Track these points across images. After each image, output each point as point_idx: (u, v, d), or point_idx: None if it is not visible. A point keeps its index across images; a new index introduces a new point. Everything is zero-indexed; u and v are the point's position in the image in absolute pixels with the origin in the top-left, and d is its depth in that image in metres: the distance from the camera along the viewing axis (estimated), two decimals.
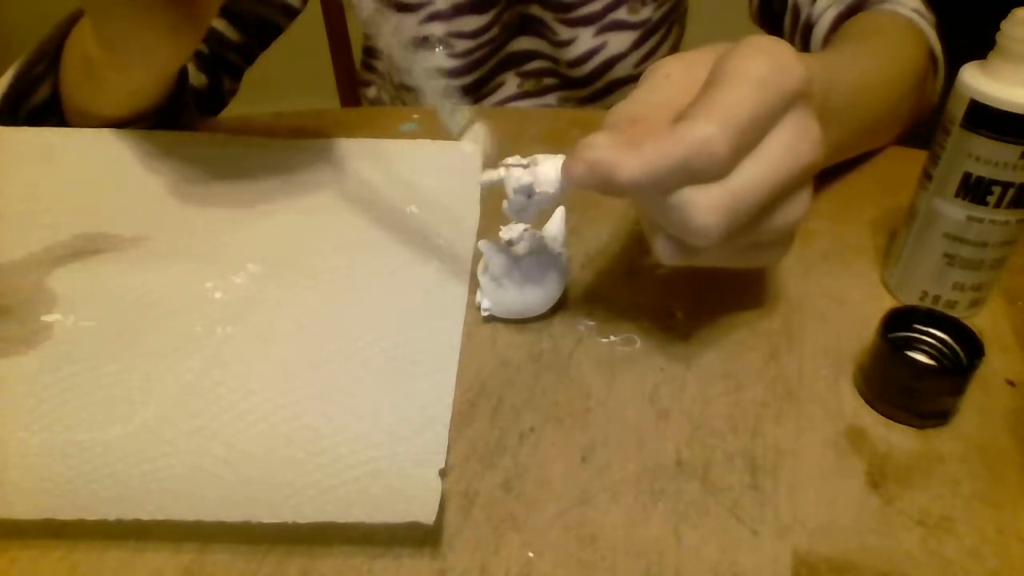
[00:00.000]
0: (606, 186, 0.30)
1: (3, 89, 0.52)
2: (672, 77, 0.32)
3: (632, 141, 0.29)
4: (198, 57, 0.59)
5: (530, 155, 0.34)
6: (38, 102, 0.52)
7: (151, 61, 0.44)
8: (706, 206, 0.28)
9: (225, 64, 0.62)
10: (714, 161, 0.28)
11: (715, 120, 0.28)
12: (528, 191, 0.34)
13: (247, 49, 0.64)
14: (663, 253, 0.31)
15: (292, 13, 0.67)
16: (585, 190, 0.32)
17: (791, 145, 0.30)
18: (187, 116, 0.55)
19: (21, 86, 0.52)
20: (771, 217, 0.31)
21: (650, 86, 0.32)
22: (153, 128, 0.52)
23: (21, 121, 0.52)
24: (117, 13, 0.39)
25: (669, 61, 0.33)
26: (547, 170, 0.33)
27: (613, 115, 0.32)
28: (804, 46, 0.60)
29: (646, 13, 0.69)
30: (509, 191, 0.34)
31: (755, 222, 0.30)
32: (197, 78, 0.58)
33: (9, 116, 0.52)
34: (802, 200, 0.31)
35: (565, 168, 0.31)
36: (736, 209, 0.29)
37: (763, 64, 0.29)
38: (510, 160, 0.34)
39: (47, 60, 0.51)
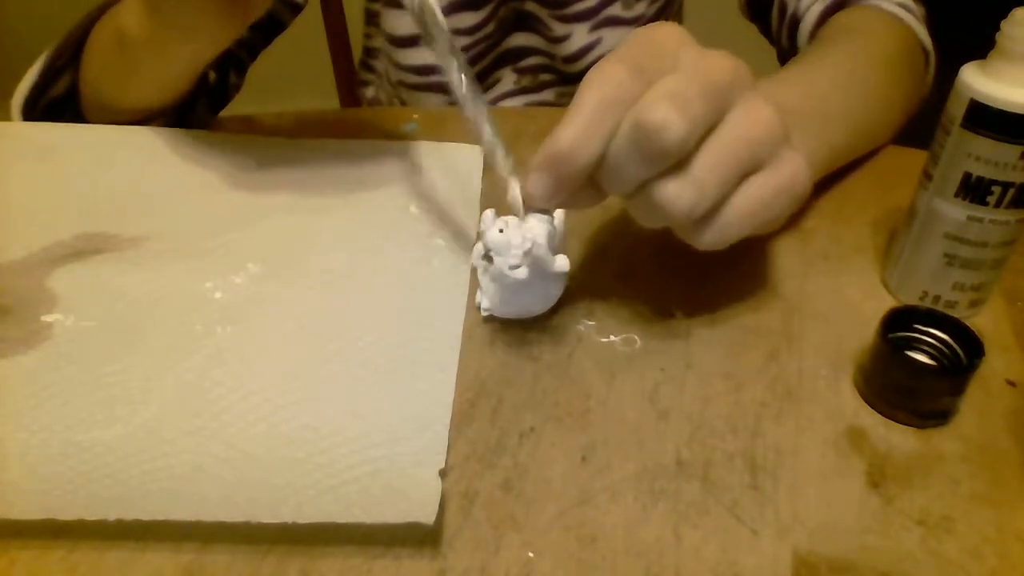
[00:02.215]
0: (559, 168, 0.31)
1: (32, 80, 0.52)
2: None
3: None
4: None
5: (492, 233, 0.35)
6: (56, 95, 0.52)
7: (191, 45, 0.44)
8: (652, 105, 0.30)
9: (232, 58, 0.62)
10: (621, 85, 0.30)
11: (604, 62, 0.31)
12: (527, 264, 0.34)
13: (252, 44, 0.64)
14: (669, 199, 0.31)
15: (296, 9, 0.67)
16: (560, 204, 0.33)
17: (698, 58, 0.32)
18: (199, 114, 0.55)
19: (44, 80, 0.52)
20: (730, 121, 0.31)
21: None
22: (166, 126, 0.52)
23: (38, 114, 0.52)
24: None
25: None
26: (529, 231, 0.34)
27: None
28: (791, 41, 0.61)
29: (640, 9, 0.69)
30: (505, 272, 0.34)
31: (716, 121, 0.31)
32: (208, 74, 0.58)
33: (30, 109, 0.52)
34: (758, 104, 0.32)
35: (525, 191, 0.33)
36: (677, 96, 0.30)
37: (637, 31, 0.33)
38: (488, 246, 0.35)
39: (70, 52, 0.51)
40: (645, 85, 0.30)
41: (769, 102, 0.33)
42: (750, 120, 0.32)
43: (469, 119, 0.36)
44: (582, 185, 0.33)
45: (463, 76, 0.36)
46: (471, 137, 0.51)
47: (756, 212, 0.33)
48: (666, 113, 0.29)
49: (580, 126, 0.30)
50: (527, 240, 0.34)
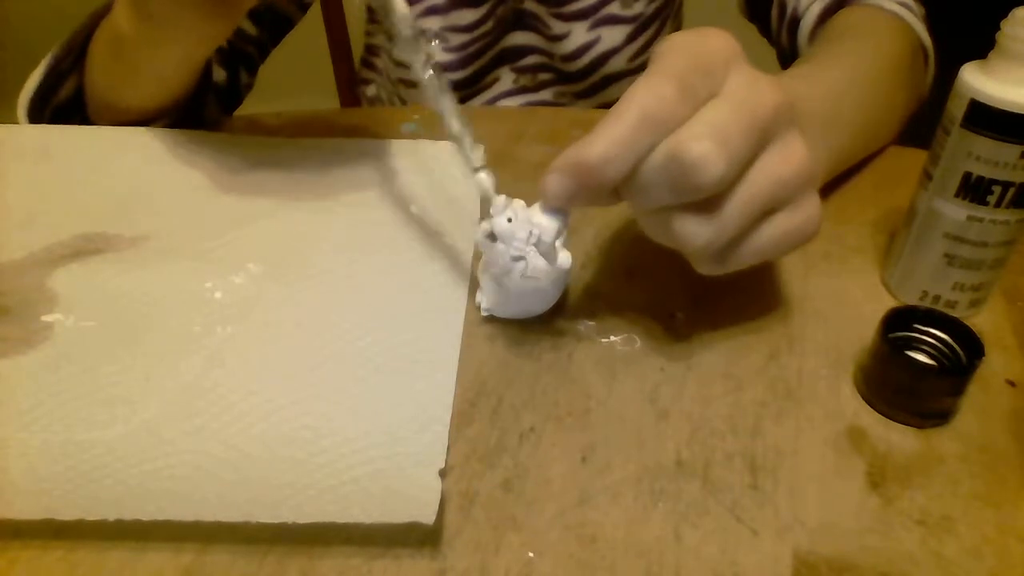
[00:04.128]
0: (584, 177, 0.30)
1: (35, 84, 0.52)
2: None
3: None
4: (218, 51, 0.60)
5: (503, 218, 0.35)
6: (63, 98, 0.52)
7: (182, 40, 0.44)
8: (693, 138, 0.29)
9: (243, 57, 0.62)
10: (667, 104, 0.29)
11: (650, 75, 0.30)
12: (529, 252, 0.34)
13: (262, 42, 0.65)
14: (688, 233, 0.31)
15: (304, 7, 0.67)
16: (575, 206, 0.32)
17: (746, 86, 0.30)
18: (209, 113, 0.55)
19: (49, 81, 0.52)
20: (766, 159, 0.31)
21: None
22: (172, 127, 0.52)
23: (47, 118, 0.52)
24: None
25: None
26: (535, 221, 0.34)
27: None
28: (791, 40, 0.61)
29: (639, 7, 0.69)
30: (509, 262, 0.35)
31: (751, 165, 0.30)
32: (217, 73, 0.58)
33: (36, 113, 0.52)
34: (794, 144, 0.31)
35: (542, 188, 0.32)
36: (720, 132, 0.29)
37: (685, 35, 0.31)
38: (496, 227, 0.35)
39: (74, 55, 0.51)
40: (690, 108, 0.29)
41: (803, 141, 0.32)
42: (784, 159, 0.31)
43: (436, 111, 0.36)
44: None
45: (429, 69, 0.36)
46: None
47: (766, 251, 0.33)
48: (707, 150, 0.28)
49: (614, 140, 0.29)
50: (533, 235, 0.34)
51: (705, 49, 0.30)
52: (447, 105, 0.36)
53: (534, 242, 0.34)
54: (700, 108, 0.30)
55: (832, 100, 0.44)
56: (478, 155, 0.36)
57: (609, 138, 0.29)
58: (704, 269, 0.33)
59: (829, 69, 0.47)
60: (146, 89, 0.49)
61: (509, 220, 0.34)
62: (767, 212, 0.32)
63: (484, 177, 0.36)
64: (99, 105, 0.52)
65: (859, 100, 0.47)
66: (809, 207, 0.33)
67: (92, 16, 0.51)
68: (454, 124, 0.36)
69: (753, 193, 0.31)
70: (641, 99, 0.29)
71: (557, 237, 0.35)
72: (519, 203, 0.35)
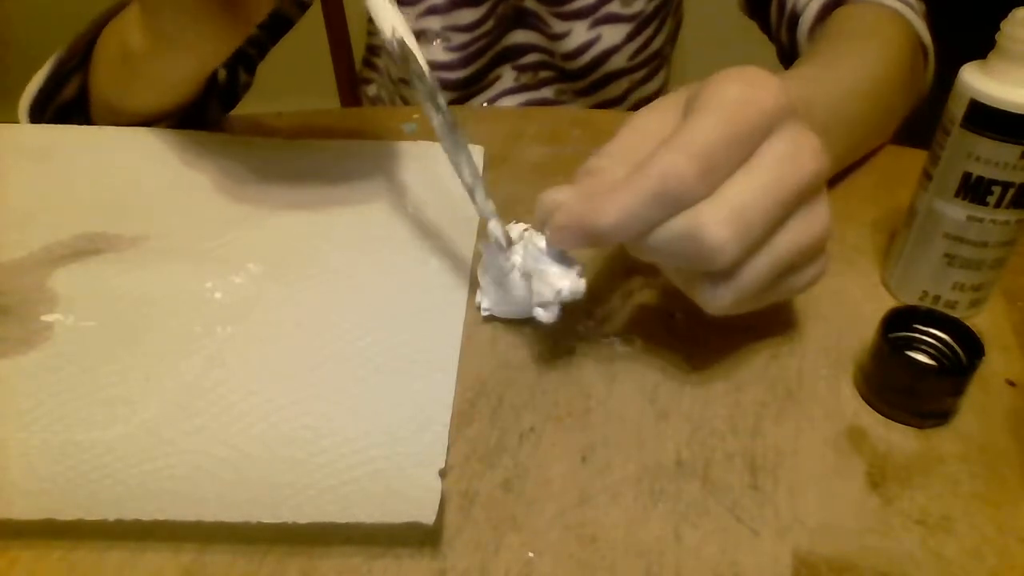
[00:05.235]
0: (590, 239, 0.30)
1: (39, 84, 0.52)
2: (638, 129, 0.32)
3: (594, 192, 0.30)
4: None
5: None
6: (65, 99, 0.52)
7: (195, 55, 0.44)
8: (710, 220, 0.28)
9: (242, 57, 0.62)
10: (685, 183, 0.28)
11: (676, 147, 0.28)
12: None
13: (262, 42, 0.65)
14: (710, 300, 0.31)
15: (304, 7, 0.68)
16: (575, 248, 0.32)
17: (787, 154, 0.29)
18: (211, 114, 0.55)
19: (53, 83, 0.52)
20: (789, 231, 0.30)
21: (617, 138, 0.32)
22: (174, 127, 0.52)
23: (48, 119, 0.52)
24: (169, 5, 0.40)
25: (640, 112, 0.33)
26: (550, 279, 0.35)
27: (580, 169, 0.32)
28: (790, 36, 0.60)
29: (639, 5, 0.69)
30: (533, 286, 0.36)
31: (772, 236, 0.30)
32: (218, 73, 0.58)
33: (38, 114, 0.52)
34: (819, 211, 0.31)
35: (548, 233, 0.32)
36: (741, 217, 0.28)
37: (733, 88, 0.29)
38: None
39: (78, 57, 0.51)
40: (713, 186, 0.28)
41: (828, 203, 0.31)
42: (806, 228, 0.31)
43: (449, 160, 0.37)
44: None
45: (443, 117, 0.36)
46: (472, 138, 0.51)
47: (770, 301, 0.33)
48: (724, 238, 0.28)
49: (627, 214, 0.29)
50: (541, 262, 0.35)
51: (752, 111, 0.29)
52: (461, 154, 0.36)
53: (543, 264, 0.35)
54: (728, 178, 0.29)
55: (835, 104, 0.44)
56: (489, 206, 0.36)
57: (621, 211, 0.29)
58: (701, 305, 0.33)
59: (832, 71, 0.46)
60: (151, 97, 0.49)
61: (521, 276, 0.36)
62: (783, 277, 0.32)
63: (493, 225, 0.36)
64: (102, 107, 0.52)
65: (861, 103, 0.47)
66: (820, 264, 0.33)
67: (96, 20, 0.51)
68: (466, 174, 0.36)
69: (772, 264, 0.30)
70: (663, 172, 0.28)
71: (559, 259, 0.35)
72: (520, 234, 0.36)
